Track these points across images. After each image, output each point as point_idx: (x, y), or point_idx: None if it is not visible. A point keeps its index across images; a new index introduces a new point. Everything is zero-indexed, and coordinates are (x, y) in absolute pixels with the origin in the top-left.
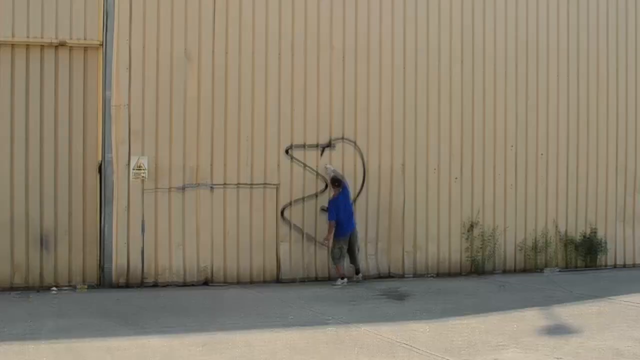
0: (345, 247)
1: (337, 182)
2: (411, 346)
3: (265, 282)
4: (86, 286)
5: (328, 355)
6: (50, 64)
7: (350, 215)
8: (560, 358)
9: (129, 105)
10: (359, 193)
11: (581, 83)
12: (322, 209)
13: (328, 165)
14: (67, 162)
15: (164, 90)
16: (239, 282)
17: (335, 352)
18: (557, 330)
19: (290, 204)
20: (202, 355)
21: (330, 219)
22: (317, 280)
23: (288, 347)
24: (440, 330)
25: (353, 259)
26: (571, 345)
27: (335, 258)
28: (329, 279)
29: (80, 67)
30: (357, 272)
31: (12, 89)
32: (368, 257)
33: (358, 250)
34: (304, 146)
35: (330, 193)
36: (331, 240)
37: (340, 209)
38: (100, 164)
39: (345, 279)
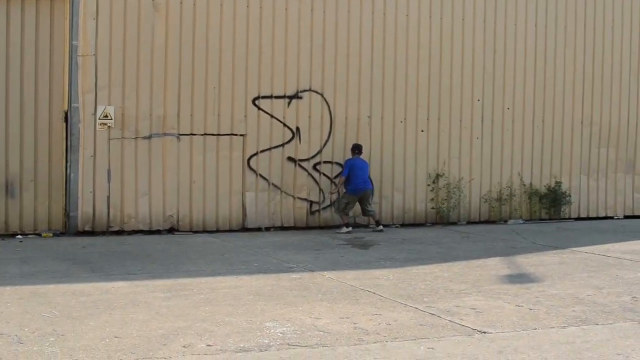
0: (353, 204)
1: (357, 148)
2: (374, 292)
3: (231, 230)
4: (51, 233)
5: (292, 301)
6: (17, 13)
7: (364, 176)
8: (521, 305)
9: (95, 54)
10: (325, 143)
11: (549, 36)
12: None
13: None
14: (33, 110)
15: (131, 39)
16: (205, 230)
17: (300, 298)
18: (519, 278)
19: (256, 153)
20: (166, 300)
21: (342, 174)
22: (282, 228)
23: (252, 292)
24: (403, 278)
25: (364, 213)
26: (532, 293)
27: (340, 209)
28: (294, 228)
29: (47, 16)
30: (378, 223)
31: None
32: (334, 206)
33: (367, 207)
34: (271, 97)
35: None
36: (341, 193)
37: (355, 168)
38: (67, 113)
39: (350, 228)
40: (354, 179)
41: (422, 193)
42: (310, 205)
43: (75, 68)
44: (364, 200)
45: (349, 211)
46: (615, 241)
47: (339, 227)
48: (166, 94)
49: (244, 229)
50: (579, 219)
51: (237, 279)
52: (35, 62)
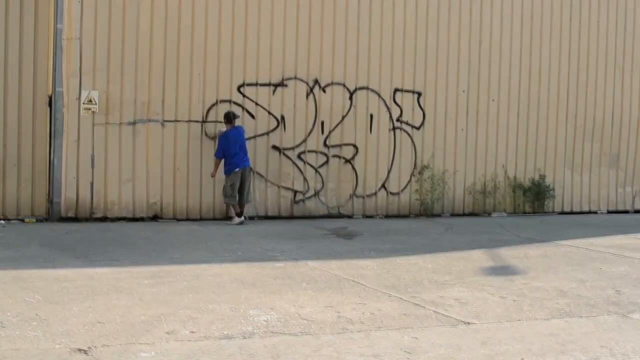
0: (237, 184)
1: (227, 118)
2: (358, 282)
3: (214, 219)
4: (34, 219)
5: (276, 289)
6: None
7: (243, 152)
8: (505, 297)
9: (80, 38)
10: (310, 133)
11: (534, 29)
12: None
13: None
14: (17, 94)
15: (116, 24)
16: (188, 218)
17: (284, 287)
18: (503, 270)
19: None
20: (150, 286)
21: (215, 156)
22: (267, 217)
23: (236, 280)
24: (387, 268)
25: (240, 199)
26: (516, 285)
27: (227, 195)
28: (279, 217)
29: None
30: (240, 214)
31: None
32: (319, 196)
33: (248, 192)
34: (256, 84)
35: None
36: (224, 178)
37: (230, 145)
38: (51, 97)
39: (243, 217)
40: (228, 157)
41: (406, 185)
42: (295, 195)
43: (60, 52)
44: (244, 180)
45: (235, 196)
46: (598, 235)
47: (231, 219)
48: (151, 80)
49: (228, 217)
50: (562, 213)
51: (221, 267)
52: (19, 46)
